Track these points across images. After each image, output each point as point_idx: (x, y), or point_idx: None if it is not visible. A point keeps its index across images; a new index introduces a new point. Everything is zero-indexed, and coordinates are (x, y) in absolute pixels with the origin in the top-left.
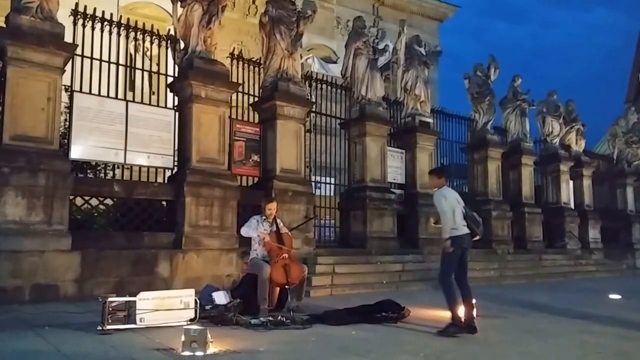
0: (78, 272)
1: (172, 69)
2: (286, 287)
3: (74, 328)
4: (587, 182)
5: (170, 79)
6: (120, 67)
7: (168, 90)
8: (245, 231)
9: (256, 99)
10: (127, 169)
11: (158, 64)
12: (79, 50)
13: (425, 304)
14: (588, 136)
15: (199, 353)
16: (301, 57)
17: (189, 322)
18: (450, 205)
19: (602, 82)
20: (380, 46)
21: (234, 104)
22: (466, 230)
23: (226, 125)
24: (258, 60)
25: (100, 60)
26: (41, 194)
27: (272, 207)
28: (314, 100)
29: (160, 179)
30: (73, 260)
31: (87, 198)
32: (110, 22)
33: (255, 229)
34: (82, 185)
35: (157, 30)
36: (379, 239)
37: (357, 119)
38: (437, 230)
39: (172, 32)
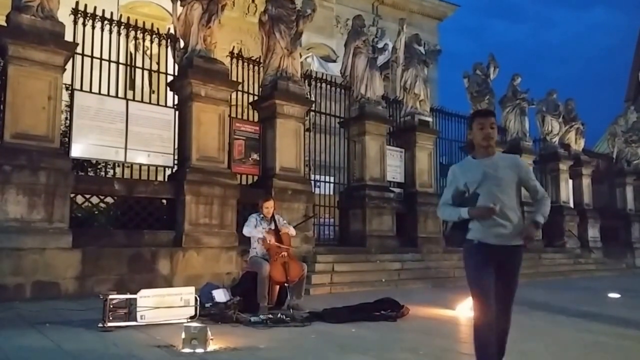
0: (79, 270)
1: (172, 67)
2: (286, 285)
3: (75, 325)
4: (586, 181)
5: (170, 78)
6: (121, 66)
7: (168, 88)
8: (247, 231)
9: (256, 97)
10: (128, 167)
11: (158, 63)
12: (79, 49)
13: (424, 302)
14: (587, 135)
15: (199, 350)
16: (301, 56)
17: (189, 320)
18: None
19: (601, 81)
20: (380, 45)
21: (233, 102)
22: None
23: (226, 123)
24: (258, 59)
25: (101, 59)
26: (42, 192)
27: (269, 206)
28: (313, 99)
29: (160, 178)
30: (74, 258)
31: (87, 196)
32: (111, 20)
33: (256, 228)
34: (82, 184)
35: (157, 29)
36: (378, 238)
37: (357, 118)
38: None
39: (172, 31)
